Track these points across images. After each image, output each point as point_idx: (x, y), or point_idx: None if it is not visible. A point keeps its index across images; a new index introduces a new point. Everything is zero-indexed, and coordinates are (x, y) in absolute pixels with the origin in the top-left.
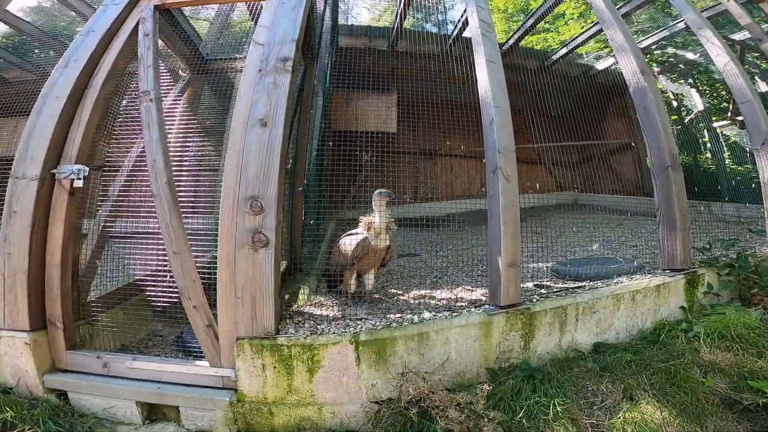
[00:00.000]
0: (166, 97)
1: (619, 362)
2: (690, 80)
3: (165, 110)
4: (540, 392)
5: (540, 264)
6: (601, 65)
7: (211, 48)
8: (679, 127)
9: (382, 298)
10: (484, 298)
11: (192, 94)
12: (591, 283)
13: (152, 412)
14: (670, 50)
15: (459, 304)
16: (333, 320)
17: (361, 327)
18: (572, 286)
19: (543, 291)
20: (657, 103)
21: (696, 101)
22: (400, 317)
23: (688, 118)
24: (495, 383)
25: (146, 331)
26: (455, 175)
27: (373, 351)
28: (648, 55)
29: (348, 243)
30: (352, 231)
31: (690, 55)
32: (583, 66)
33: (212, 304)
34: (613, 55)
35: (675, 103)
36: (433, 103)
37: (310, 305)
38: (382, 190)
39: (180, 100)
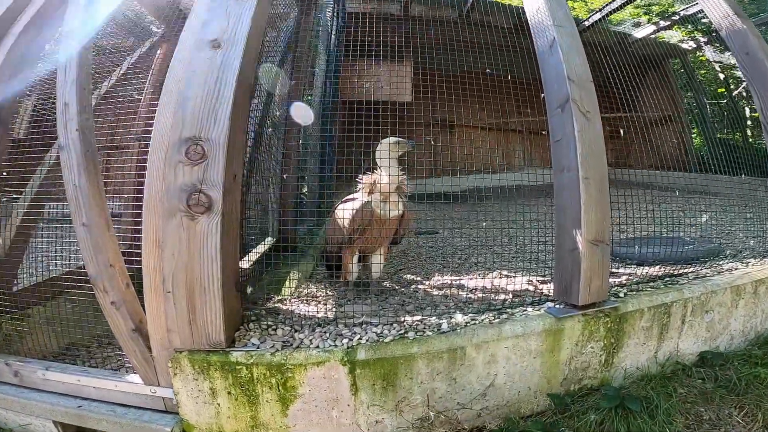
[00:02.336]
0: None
1: (744, 378)
2: None
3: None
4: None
5: None
6: (639, 33)
7: None
8: (726, 101)
9: (394, 287)
10: (532, 288)
11: (169, 52)
12: (687, 268)
13: None
14: None
15: (500, 296)
16: (320, 324)
17: (361, 337)
18: (663, 273)
19: (618, 279)
20: (763, 46)
21: None
22: (420, 321)
23: (737, 91)
24: (563, 415)
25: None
26: (475, 148)
27: (378, 375)
28: (695, 24)
29: (344, 211)
30: (350, 196)
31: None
32: (618, 34)
33: None
34: (654, 23)
35: (722, 76)
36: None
37: (297, 299)
38: (396, 137)
39: (152, 58)
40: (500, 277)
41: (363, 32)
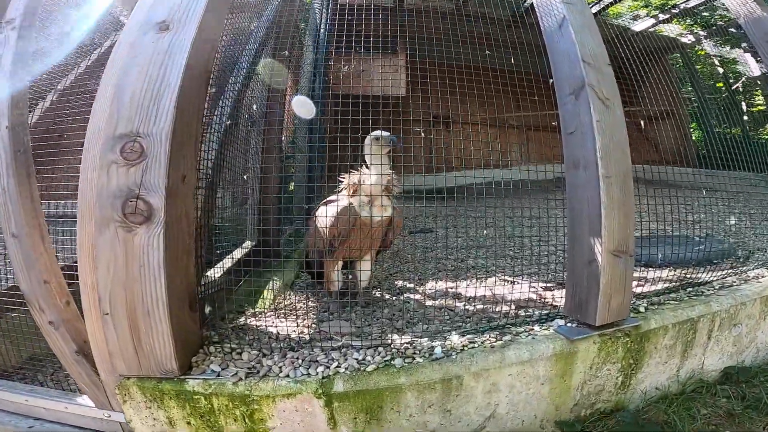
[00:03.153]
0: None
1: None
2: (744, 45)
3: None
4: None
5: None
6: (638, 27)
7: None
8: (725, 95)
9: (384, 296)
10: (536, 296)
11: None
12: (705, 273)
13: None
14: (721, 12)
15: (501, 308)
16: (292, 348)
17: (339, 364)
18: (680, 278)
19: (636, 288)
20: None
21: (752, 66)
22: (410, 344)
23: (735, 85)
24: None
25: None
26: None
27: (360, 408)
28: (694, 17)
29: (324, 215)
30: (331, 197)
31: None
32: (617, 28)
33: None
34: (654, 16)
35: (721, 70)
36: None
37: (273, 313)
38: (381, 132)
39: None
40: (500, 283)
41: (354, 23)
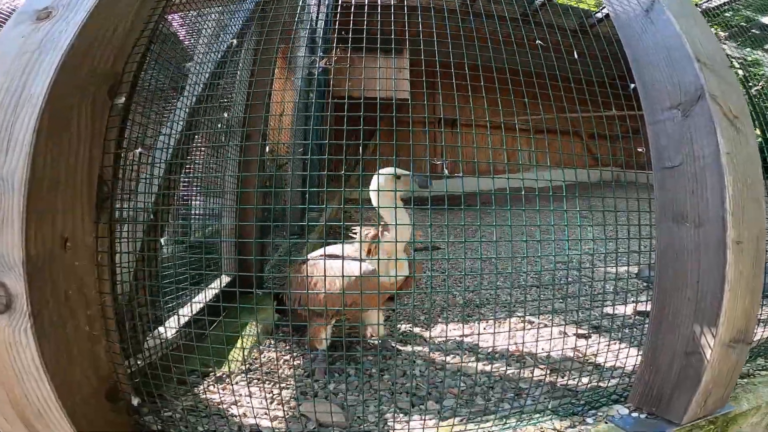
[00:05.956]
0: None
1: None
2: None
3: None
4: None
5: (612, 267)
6: None
7: None
8: (745, 97)
9: (385, 349)
10: (571, 350)
11: None
12: None
13: None
14: (745, 12)
15: (530, 373)
16: None
17: None
18: None
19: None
20: None
21: None
22: None
23: (755, 88)
24: None
25: None
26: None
27: None
28: (716, 17)
29: (333, 276)
30: (334, 248)
31: (767, 19)
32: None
33: None
34: None
35: (741, 72)
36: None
37: (243, 377)
38: (396, 169)
39: None
40: (524, 326)
41: (354, 21)
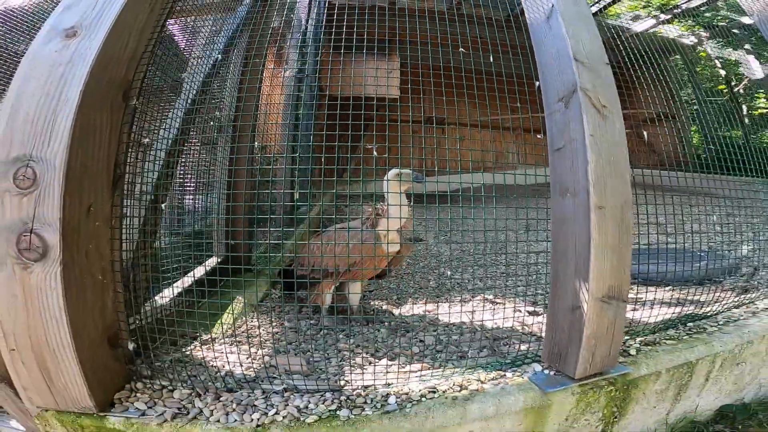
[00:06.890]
0: None
1: None
2: (747, 46)
3: None
4: None
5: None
6: (638, 27)
7: None
8: (726, 98)
9: (355, 317)
10: (518, 325)
11: None
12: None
13: None
14: (724, 13)
15: (478, 341)
16: (230, 389)
17: (278, 411)
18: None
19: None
20: None
21: (755, 69)
22: (362, 390)
23: (737, 88)
24: None
25: None
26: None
27: None
28: (697, 18)
29: (344, 240)
30: (347, 224)
31: (747, 20)
32: (614, 28)
33: None
34: (654, 16)
35: (723, 72)
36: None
37: (227, 341)
38: (403, 169)
39: None
40: (484, 304)
41: (344, 24)
